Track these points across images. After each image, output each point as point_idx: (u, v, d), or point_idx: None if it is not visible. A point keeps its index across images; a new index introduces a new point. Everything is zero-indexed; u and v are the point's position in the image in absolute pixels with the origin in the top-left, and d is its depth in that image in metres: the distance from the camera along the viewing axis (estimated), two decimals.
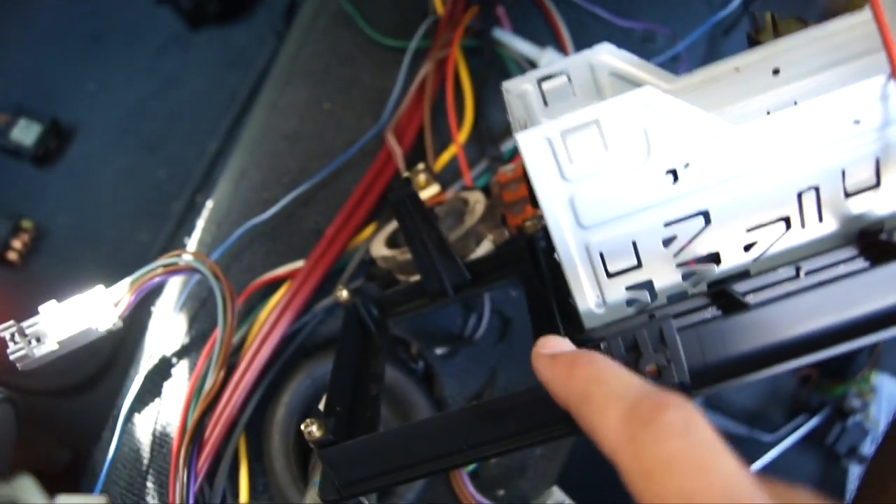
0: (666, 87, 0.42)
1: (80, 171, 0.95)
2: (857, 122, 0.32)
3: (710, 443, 0.24)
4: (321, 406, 0.41)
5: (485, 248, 0.53)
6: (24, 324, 0.51)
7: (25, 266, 0.89)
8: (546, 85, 0.42)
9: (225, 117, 0.97)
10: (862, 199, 0.35)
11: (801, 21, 0.46)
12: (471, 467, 0.57)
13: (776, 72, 0.41)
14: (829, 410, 0.70)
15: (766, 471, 0.92)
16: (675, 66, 0.75)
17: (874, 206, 0.35)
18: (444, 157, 0.68)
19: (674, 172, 0.34)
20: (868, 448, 0.81)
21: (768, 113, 0.41)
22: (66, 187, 0.94)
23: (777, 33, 0.47)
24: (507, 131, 0.71)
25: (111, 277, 0.58)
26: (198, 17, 1.02)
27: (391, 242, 0.59)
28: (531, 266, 0.48)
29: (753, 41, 0.48)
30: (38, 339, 0.51)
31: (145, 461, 0.59)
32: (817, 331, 0.32)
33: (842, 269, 0.36)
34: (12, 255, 0.87)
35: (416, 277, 0.54)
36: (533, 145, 0.33)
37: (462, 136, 0.68)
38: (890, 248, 0.34)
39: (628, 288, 0.37)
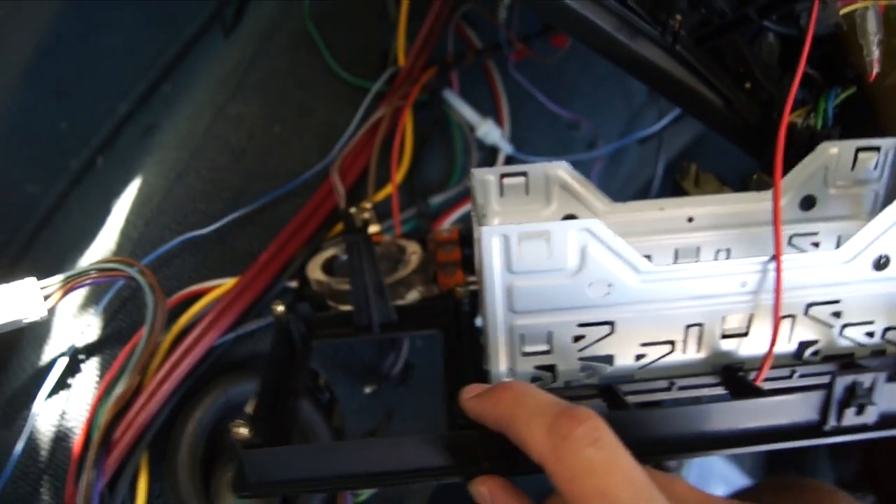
0: (602, 207, 0.50)
1: None
2: (743, 284, 0.41)
3: (613, 447, 0.33)
4: (248, 409, 0.45)
5: (412, 297, 0.59)
6: None
7: None
8: (507, 180, 0.49)
9: (141, 80, 0.89)
10: (733, 341, 0.44)
11: (717, 178, 0.55)
12: (365, 495, 0.61)
13: (690, 219, 0.50)
14: None
15: None
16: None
17: (741, 348, 0.44)
18: (379, 197, 0.72)
19: (597, 287, 0.41)
20: None
21: (676, 251, 0.50)
22: None
23: (697, 182, 0.56)
24: (437, 188, 0.77)
25: None
26: None
27: (326, 268, 0.64)
28: (453, 324, 0.54)
29: (677, 183, 0.57)
30: None
31: (44, 455, 0.56)
32: (678, 436, 0.40)
33: (704, 392, 0.44)
34: None
35: (345, 307, 0.59)
36: (493, 238, 0.39)
37: (398, 178, 0.73)
38: (743, 384, 0.43)
39: (536, 367, 0.45)
